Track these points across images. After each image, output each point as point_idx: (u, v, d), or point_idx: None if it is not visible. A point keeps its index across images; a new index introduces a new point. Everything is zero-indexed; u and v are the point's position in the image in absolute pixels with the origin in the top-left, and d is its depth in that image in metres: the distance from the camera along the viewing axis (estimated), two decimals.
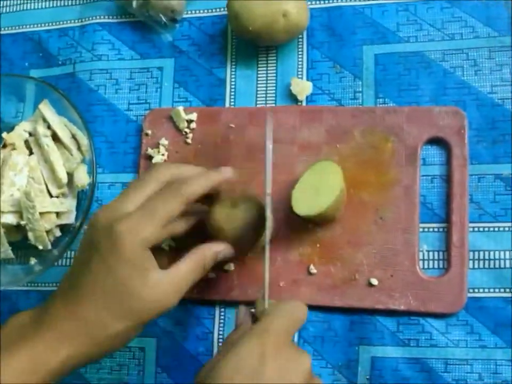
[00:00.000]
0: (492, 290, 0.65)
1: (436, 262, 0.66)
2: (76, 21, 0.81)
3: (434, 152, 0.68)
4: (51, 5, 0.83)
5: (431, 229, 0.67)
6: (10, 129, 0.75)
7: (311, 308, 0.67)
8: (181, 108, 0.73)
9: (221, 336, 0.70)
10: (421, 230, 0.66)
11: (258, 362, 0.48)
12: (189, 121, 0.73)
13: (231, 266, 0.69)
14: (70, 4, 0.82)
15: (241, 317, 0.56)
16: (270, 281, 0.67)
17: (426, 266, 0.66)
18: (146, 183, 0.57)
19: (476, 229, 0.66)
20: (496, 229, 0.66)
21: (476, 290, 0.65)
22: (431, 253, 0.66)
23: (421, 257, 0.66)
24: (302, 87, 0.71)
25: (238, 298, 0.68)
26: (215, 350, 0.69)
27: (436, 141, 0.68)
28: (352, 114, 0.70)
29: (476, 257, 0.65)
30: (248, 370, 0.48)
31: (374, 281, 0.65)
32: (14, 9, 0.84)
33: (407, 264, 0.65)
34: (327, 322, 0.67)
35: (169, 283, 0.54)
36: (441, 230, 0.66)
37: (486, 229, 0.66)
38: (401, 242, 0.66)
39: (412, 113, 0.68)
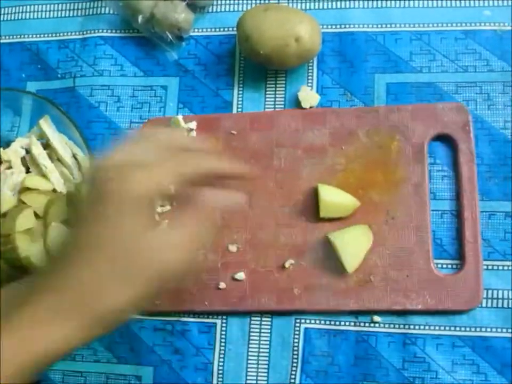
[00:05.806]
0: (499, 330, 0.64)
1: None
2: (77, 33, 0.78)
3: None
4: (51, 15, 0.80)
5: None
6: (4, 143, 0.73)
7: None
8: (180, 117, 0.71)
9: (220, 368, 0.67)
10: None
11: None
12: (189, 130, 0.71)
13: (242, 276, 0.67)
14: (71, 14, 0.79)
15: None
16: (284, 287, 0.65)
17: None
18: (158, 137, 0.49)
19: (485, 267, 0.65)
20: (506, 268, 0.65)
21: (484, 329, 0.64)
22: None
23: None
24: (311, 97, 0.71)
25: (251, 308, 0.67)
26: (215, 381, 0.67)
27: (441, 138, 0.68)
28: (356, 115, 0.69)
29: (485, 295, 0.64)
30: None
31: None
32: (13, 17, 0.81)
33: (422, 263, 0.65)
34: (330, 356, 0.66)
35: (180, 240, 0.46)
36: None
37: (495, 268, 0.65)
38: (414, 241, 0.65)
39: (416, 111, 0.68)
